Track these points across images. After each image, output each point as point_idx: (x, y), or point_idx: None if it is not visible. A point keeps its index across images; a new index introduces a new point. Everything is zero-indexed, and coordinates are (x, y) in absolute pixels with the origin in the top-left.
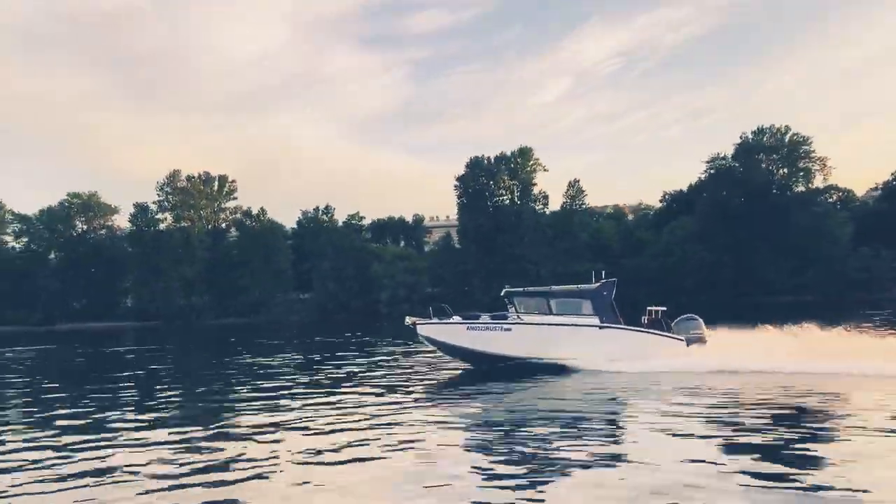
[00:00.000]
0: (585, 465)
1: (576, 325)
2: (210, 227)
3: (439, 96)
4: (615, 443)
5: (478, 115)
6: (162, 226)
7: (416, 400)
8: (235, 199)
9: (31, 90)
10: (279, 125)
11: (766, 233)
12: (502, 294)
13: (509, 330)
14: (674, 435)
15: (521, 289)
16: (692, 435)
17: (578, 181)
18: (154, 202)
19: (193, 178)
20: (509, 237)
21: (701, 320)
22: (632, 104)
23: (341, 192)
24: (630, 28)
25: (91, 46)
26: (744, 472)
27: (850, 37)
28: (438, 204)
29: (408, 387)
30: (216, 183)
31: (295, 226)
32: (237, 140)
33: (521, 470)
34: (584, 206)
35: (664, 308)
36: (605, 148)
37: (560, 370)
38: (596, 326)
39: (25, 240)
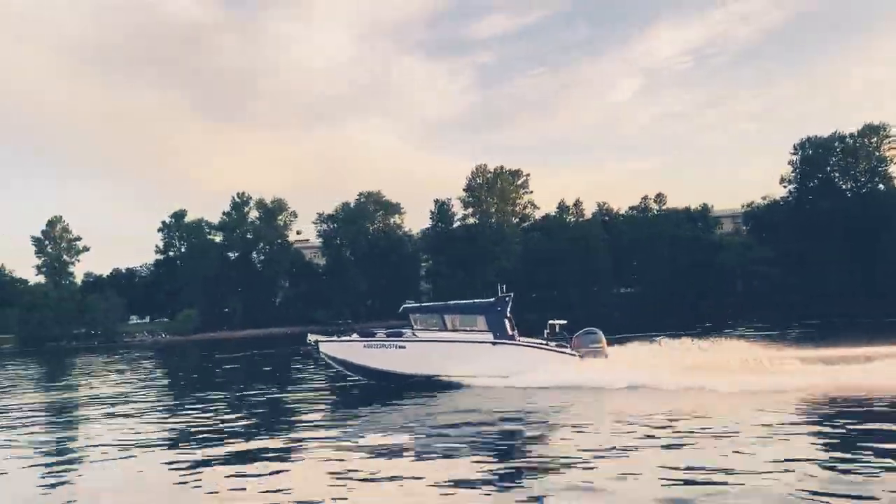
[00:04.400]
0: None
1: (468, 341)
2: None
3: (508, 99)
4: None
5: (547, 117)
6: (470, 221)
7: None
8: (530, 192)
9: (110, 106)
10: (351, 135)
11: None
12: (400, 310)
13: (403, 347)
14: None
15: (417, 304)
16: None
17: None
18: (458, 198)
19: (490, 174)
20: (872, 224)
21: (601, 334)
22: (705, 101)
23: (418, 196)
24: (702, 24)
25: (167, 62)
26: None
27: None
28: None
29: None
30: (509, 177)
31: None
32: (311, 151)
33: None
34: None
35: (564, 322)
36: (679, 147)
37: (452, 386)
38: (489, 342)
39: (320, 240)
